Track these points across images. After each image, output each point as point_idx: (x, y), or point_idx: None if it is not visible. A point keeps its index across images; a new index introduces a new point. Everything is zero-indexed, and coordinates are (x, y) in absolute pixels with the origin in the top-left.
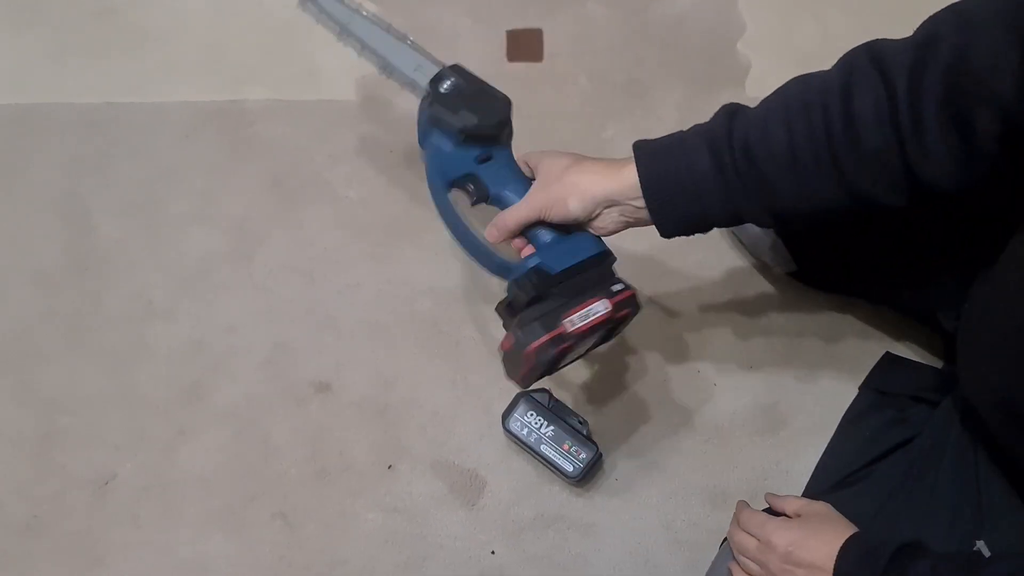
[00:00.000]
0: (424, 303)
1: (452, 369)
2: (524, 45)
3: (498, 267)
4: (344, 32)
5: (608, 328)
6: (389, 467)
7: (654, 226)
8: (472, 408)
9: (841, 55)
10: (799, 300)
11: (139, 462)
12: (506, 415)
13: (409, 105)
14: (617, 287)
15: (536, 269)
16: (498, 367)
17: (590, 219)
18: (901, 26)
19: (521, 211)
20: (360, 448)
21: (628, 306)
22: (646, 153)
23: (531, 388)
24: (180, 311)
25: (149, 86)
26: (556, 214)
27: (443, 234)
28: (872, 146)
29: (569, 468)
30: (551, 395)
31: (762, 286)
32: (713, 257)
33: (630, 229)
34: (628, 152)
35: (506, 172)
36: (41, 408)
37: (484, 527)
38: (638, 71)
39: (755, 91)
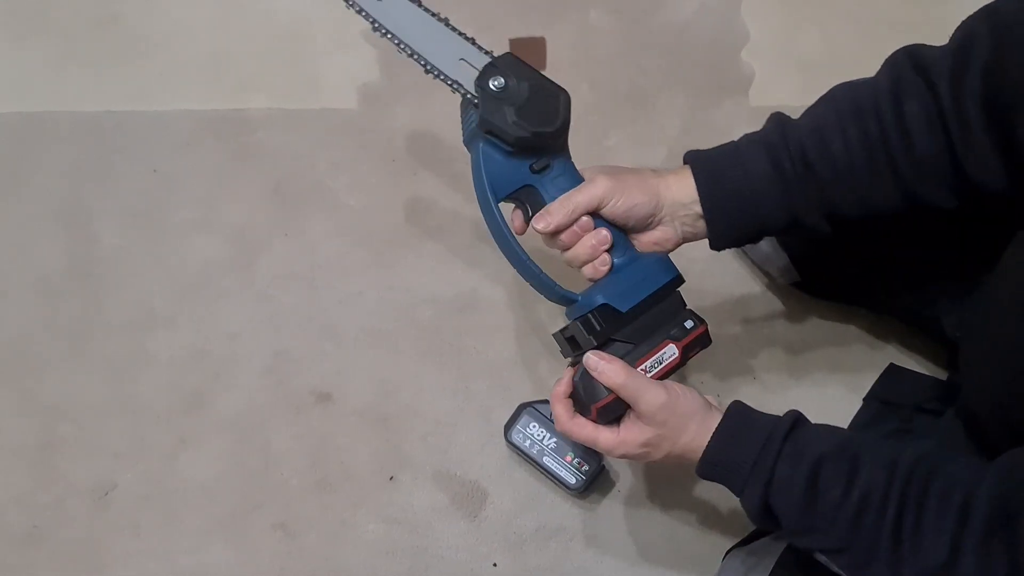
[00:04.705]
0: (426, 312)
1: (454, 378)
2: (527, 53)
3: (560, 297)
4: (368, 16)
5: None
6: (391, 479)
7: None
8: (474, 418)
9: (850, 62)
10: (802, 310)
11: (140, 470)
12: (508, 427)
13: (411, 113)
14: (689, 323)
15: (604, 308)
16: (500, 375)
17: (648, 225)
18: (905, 34)
19: (582, 195)
20: (361, 457)
21: (698, 344)
22: (702, 160)
23: (533, 400)
24: (181, 319)
25: (151, 94)
26: (621, 204)
27: (445, 242)
28: (924, 150)
29: (572, 480)
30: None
31: (765, 296)
32: (716, 267)
33: None
34: (632, 160)
35: (566, 181)
36: (42, 416)
37: (486, 539)
38: (641, 79)
39: (759, 100)
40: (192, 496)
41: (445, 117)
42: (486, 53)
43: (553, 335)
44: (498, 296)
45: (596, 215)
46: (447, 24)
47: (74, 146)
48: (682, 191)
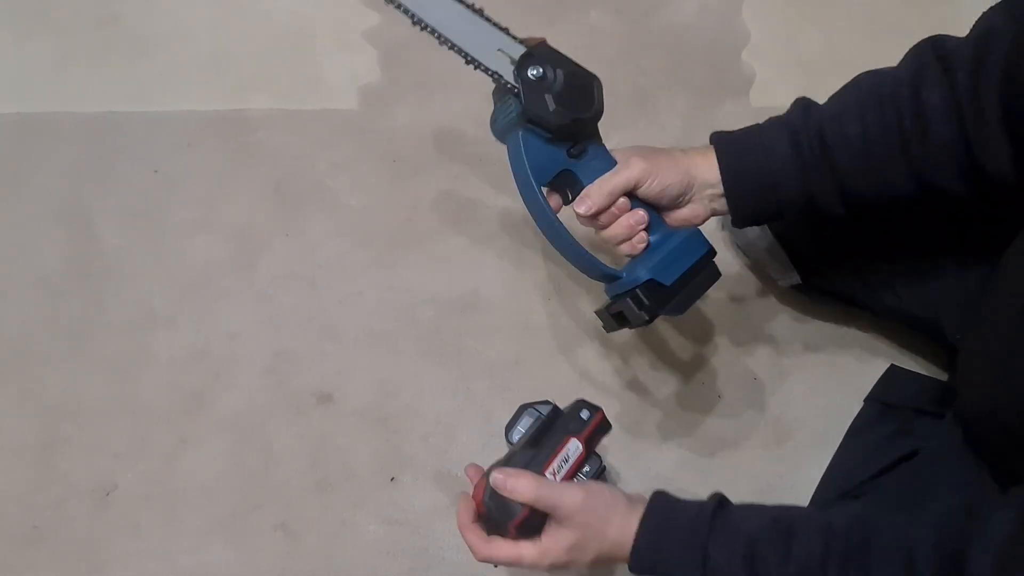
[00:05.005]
0: (426, 312)
1: (454, 378)
2: None
3: (603, 275)
4: (407, 11)
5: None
6: (392, 479)
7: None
8: (474, 418)
9: (851, 63)
10: (804, 312)
11: (140, 470)
12: (509, 427)
13: (411, 113)
14: (585, 414)
15: (649, 283)
16: (500, 375)
17: (680, 202)
18: (905, 35)
19: (619, 178)
20: (362, 458)
21: (600, 432)
22: (725, 141)
23: (534, 400)
24: (182, 319)
25: (151, 94)
26: (655, 185)
27: (446, 242)
28: (939, 138)
29: None
30: (555, 407)
31: (766, 298)
32: None
33: None
34: None
35: (601, 164)
36: (42, 416)
37: None
38: (642, 80)
39: (759, 101)
40: (192, 496)
41: (445, 117)
42: (521, 42)
43: (596, 312)
44: (498, 296)
45: (631, 196)
46: (482, 15)
47: (74, 146)
48: (709, 172)
